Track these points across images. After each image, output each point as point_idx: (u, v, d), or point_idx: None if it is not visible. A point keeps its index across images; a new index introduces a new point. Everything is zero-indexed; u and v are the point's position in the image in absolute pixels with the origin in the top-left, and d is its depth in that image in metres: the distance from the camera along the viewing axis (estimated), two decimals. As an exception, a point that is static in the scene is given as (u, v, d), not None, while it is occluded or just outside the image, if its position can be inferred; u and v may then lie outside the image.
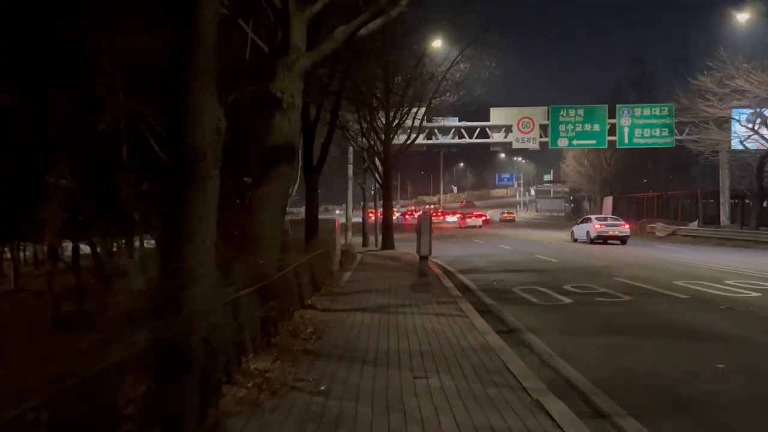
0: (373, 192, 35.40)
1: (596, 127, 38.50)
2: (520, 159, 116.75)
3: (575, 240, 34.60)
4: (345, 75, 16.27)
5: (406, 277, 16.71)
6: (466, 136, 39.12)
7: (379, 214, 34.68)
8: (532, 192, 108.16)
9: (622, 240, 31.94)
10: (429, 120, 38.03)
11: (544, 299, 13.37)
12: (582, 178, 61.31)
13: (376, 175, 30.05)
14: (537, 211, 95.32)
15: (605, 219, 35.21)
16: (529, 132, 38.62)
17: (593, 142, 38.98)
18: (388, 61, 26.66)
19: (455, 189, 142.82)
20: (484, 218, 70.99)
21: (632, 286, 15.21)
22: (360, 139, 30.81)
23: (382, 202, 30.42)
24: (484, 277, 18.01)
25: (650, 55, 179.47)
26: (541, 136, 38.95)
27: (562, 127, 38.62)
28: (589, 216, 37.87)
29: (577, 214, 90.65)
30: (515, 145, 38.77)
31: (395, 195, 71.99)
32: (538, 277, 17.82)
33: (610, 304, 12.62)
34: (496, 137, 39.23)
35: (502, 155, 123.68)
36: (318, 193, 17.72)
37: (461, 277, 18.25)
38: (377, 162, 30.66)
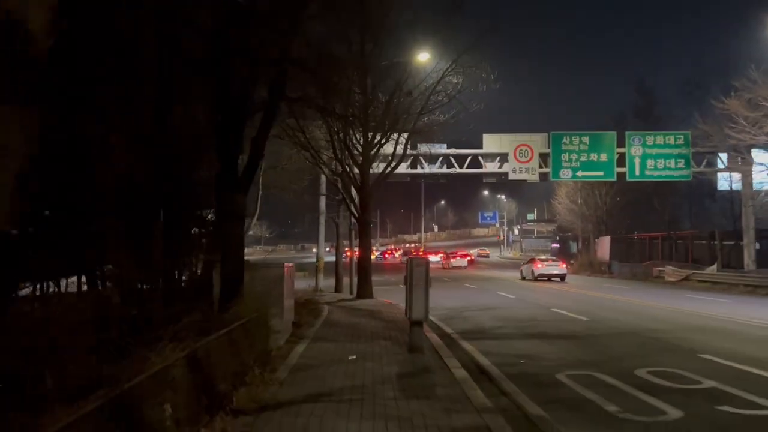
0: (350, 228, 29.68)
1: (603, 157, 33.40)
2: (502, 197, 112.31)
3: (523, 278, 39.29)
4: (293, 27, 10.52)
5: (389, 354, 10.91)
6: (455, 165, 33.77)
7: (356, 254, 28.98)
8: (516, 231, 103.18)
9: (561, 277, 37.20)
10: (414, 147, 32.68)
11: (624, 404, 7.73)
12: (574, 216, 56.16)
13: (352, 207, 24.37)
14: (522, 250, 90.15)
15: (546, 260, 41.48)
16: (527, 161, 33.39)
17: (600, 173, 33.83)
18: (365, 67, 21.30)
19: (436, 227, 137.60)
20: (469, 258, 65.52)
21: (745, 373, 9.60)
22: (333, 164, 25.25)
23: (359, 240, 24.69)
24: (499, 348, 12.39)
25: (656, 83, 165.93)
26: (540, 166, 33.73)
27: (564, 157, 33.45)
28: (533, 257, 45.09)
29: (563, 255, 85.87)
30: (512, 176, 33.46)
31: (374, 233, 66.14)
32: (579, 349, 12.20)
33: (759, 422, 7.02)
34: (490, 167, 33.91)
35: (486, 192, 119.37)
36: (244, 222, 11.92)
37: (467, 346, 12.60)
38: (353, 192, 25.06)
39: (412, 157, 33.45)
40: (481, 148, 33.90)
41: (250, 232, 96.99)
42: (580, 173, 33.79)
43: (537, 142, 33.79)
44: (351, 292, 27.27)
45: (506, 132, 34.37)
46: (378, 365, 9.66)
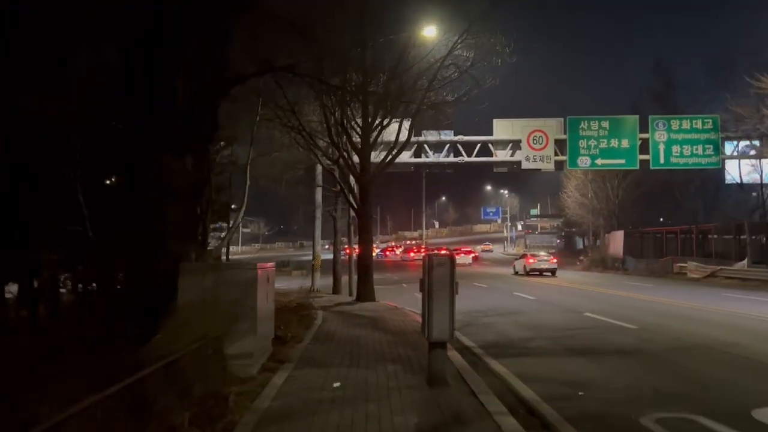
0: (349, 223, 26.74)
1: (625, 143, 30.44)
2: (505, 192, 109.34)
3: (516, 273, 39.93)
4: None
5: (401, 387, 7.91)
6: (463, 153, 30.78)
7: (355, 251, 26.04)
8: (519, 227, 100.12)
9: (552, 272, 37.90)
10: (418, 133, 29.71)
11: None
12: (585, 210, 53.14)
13: (351, 198, 21.37)
14: (526, 247, 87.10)
15: (538, 255, 41.11)
16: (542, 148, 30.40)
17: (621, 161, 30.84)
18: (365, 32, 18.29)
19: (437, 224, 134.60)
20: (473, 255, 62.56)
21: None
22: (330, 151, 22.29)
23: (358, 236, 21.68)
24: (540, 369, 9.55)
25: (675, 66, 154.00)
26: (556, 154, 30.75)
27: (582, 143, 30.48)
28: (525, 253, 44.84)
29: (569, 251, 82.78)
30: (525, 165, 30.48)
31: (374, 230, 63.17)
32: (647, 371, 9.30)
33: None
34: (501, 155, 30.93)
35: (488, 187, 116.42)
36: (194, 204, 9.03)
37: (499, 368, 9.70)
38: (352, 181, 22.09)
39: (416, 145, 30.52)
40: (491, 134, 30.91)
41: (247, 230, 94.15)
42: (599, 161, 30.82)
43: (552, 127, 30.81)
44: (350, 293, 24.36)
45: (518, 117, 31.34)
46: (386, 410, 6.65)
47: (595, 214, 52.60)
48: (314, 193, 29.31)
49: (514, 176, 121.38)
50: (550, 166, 30.94)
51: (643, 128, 30.62)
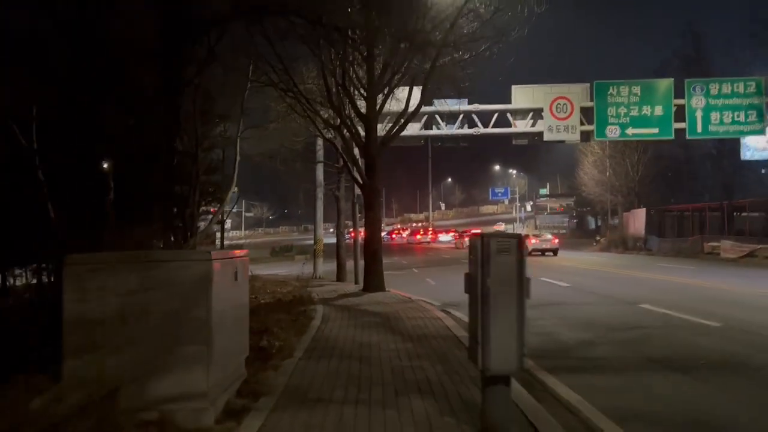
0: (353, 202, 23.64)
1: (658, 111, 27.25)
2: (513, 172, 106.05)
3: None
4: None
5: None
6: (479, 124, 27.62)
7: (360, 234, 23.09)
8: (528, 208, 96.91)
9: (554, 252, 38.66)
10: (429, 101, 26.63)
11: None
12: (602, 188, 49.96)
13: (355, 172, 18.34)
14: (537, 228, 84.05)
15: (539, 236, 42.54)
16: (566, 117, 27.25)
17: (654, 130, 27.61)
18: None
19: (443, 206, 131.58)
20: (483, 237, 59.36)
21: None
22: (331, 116, 19.21)
23: (363, 216, 18.59)
24: (626, 395, 6.84)
25: (707, 30, 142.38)
26: (582, 123, 27.57)
27: (611, 111, 27.32)
28: (527, 234, 47.24)
29: (582, 231, 79.67)
30: (548, 136, 27.34)
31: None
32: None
33: None
34: (521, 125, 27.77)
35: (497, 167, 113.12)
36: None
37: (568, 395, 6.87)
38: (356, 153, 19.04)
39: (426, 116, 27.39)
40: (509, 103, 27.75)
41: (250, 214, 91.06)
42: (630, 131, 27.63)
43: (577, 94, 27.63)
44: (356, 281, 21.41)
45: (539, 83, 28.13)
46: None
47: (614, 192, 49.44)
48: (314, 171, 26.32)
49: (523, 155, 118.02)
50: (575, 137, 27.78)
51: (678, 94, 27.41)
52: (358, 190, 21.39)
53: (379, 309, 13.35)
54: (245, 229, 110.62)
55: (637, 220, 46.35)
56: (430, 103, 27.28)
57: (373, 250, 17.17)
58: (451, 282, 22.65)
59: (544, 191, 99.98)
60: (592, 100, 27.52)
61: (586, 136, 28.20)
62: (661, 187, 52.38)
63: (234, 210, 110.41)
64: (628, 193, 48.88)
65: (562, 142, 29.12)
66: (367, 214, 17.66)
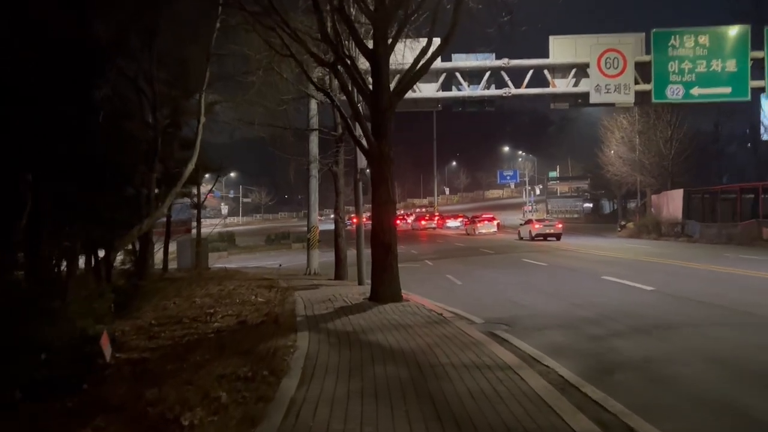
0: (355, 179, 18.14)
1: (731, 66, 21.85)
2: (521, 153, 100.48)
3: (521, 238, 39.71)
4: None
5: None
6: (509, 83, 22.22)
7: (365, 220, 17.80)
8: (537, 191, 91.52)
9: (557, 237, 37.72)
10: (445, 55, 21.34)
11: None
12: (631, 167, 44.48)
13: (359, 134, 12.97)
14: (548, 212, 78.79)
15: (543, 220, 42.35)
16: (617, 74, 21.83)
17: (726, 90, 22.14)
18: None
19: (447, 191, 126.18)
20: (498, 222, 54.16)
21: None
22: (326, 53, 13.86)
23: (371, 194, 13.08)
24: None
25: None
26: (636, 82, 22.17)
27: (673, 66, 21.95)
28: (531, 219, 45.17)
29: (597, 215, 74.35)
30: (595, 98, 21.93)
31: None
32: None
33: None
34: (561, 85, 22.34)
35: (505, 149, 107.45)
36: None
37: None
38: (360, 107, 13.62)
39: (444, 75, 21.97)
40: (546, 57, 22.31)
41: (248, 199, 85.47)
42: (696, 91, 22.19)
43: (631, 46, 22.20)
44: (360, 281, 16.20)
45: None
46: None
47: (643, 172, 44.01)
48: (307, 142, 20.99)
49: (531, 136, 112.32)
50: (628, 99, 22.31)
51: (756, 45, 21.98)
52: (362, 162, 16.11)
53: (400, 342, 8.04)
54: (243, 215, 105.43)
55: (673, 203, 40.94)
56: (449, 58, 21.91)
57: (384, 242, 11.84)
58: (479, 280, 17.36)
59: (554, 174, 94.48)
60: (649, 53, 22.10)
61: (642, 98, 22.76)
62: (693, 166, 46.99)
63: (231, 195, 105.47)
64: (660, 173, 43.43)
65: (612, 105, 23.71)
66: (375, 193, 12.32)
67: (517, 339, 8.73)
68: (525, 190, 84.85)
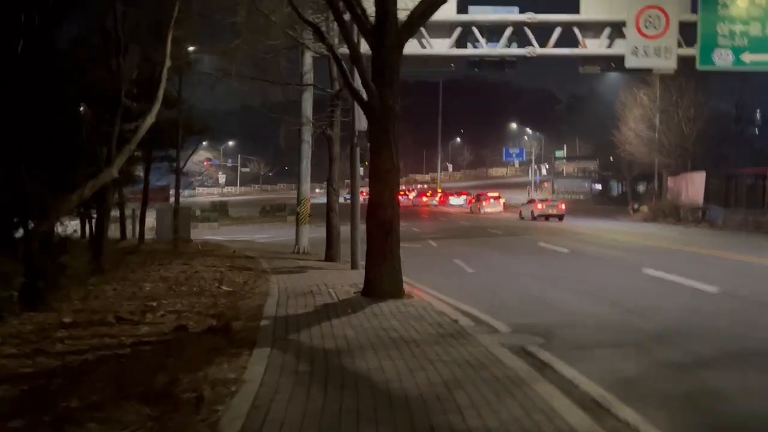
0: (352, 144, 15.16)
1: (790, 28, 18.86)
2: (528, 131, 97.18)
3: (522, 218, 38.77)
4: None
5: None
6: (534, 42, 19.24)
7: (363, 194, 15.05)
8: (544, 171, 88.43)
9: (560, 218, 37.30)
10: (461, 6, 18.47)
11: None
12: (649, 146, 41.51)
13: (357, 83, 10.12)
14: (554, 192, 75.88)
15: (545, 200, 41.51)
16: (658, 35, 18.85)
17: (783, 57, 19.24)
18: None
19: (450, 167, 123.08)
20: (504, 202, 51.39)
21: None
22: None
23: (369, 160, 10.24)
24: None
25: None
26: (680, 46, 19.21)
27: (722, 28, 18.95)
28: (533, 199, 43.94)
29: (606, 197, 71.40)
30: (631, 62, 18.97)
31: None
32: None
33: None
34: (593, 45, 19.36)
35: (513, 125, 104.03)
36: None
37: None
38: (357, 46, 10.70)
39: (458, 29, 19.01)
40: (576, 12, 19.31)
41: (246, 169, 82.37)
42: (747, 57, 19.20)
43: (675, 3, 19.19)
44: (353, 264, 13.50)
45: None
46: None
47: (663, 152, 41.08)
48: (300, 101, 18.15)
49: (538, 114, 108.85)
50: (669, 64, 19.33)
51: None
52: (361, 124, 13.32)
53: (403, 375, 5.23)
54: (240, 185, 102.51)
55: (693, 186, 38.15)
56: (465, 10, 18.94)
57: (384, 221, 9.05)
58: (493, 267, 14.64)
59: (560, 153, 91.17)
60: (695, 11, 19.12)
61: (685, 64, 19.78)
62: (713, 148, 44.14)
63: (229, 164, 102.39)
64: (680, 154, 40.52)
65: (650, 70, 20.74)
66: (374, 159, 9.49)
67: (564, 365, 6.05)
68: (531, 168, 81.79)
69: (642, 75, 34.27)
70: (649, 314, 8.62)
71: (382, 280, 8.94)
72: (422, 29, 18.30)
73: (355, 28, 10.53)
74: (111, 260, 17.35)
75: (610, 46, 19.30)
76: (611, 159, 60.44)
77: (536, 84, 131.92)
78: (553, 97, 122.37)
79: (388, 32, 9.12)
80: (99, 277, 11.50)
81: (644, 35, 18.81)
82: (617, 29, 19.17)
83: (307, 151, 18.53)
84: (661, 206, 39.42)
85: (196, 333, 6.51)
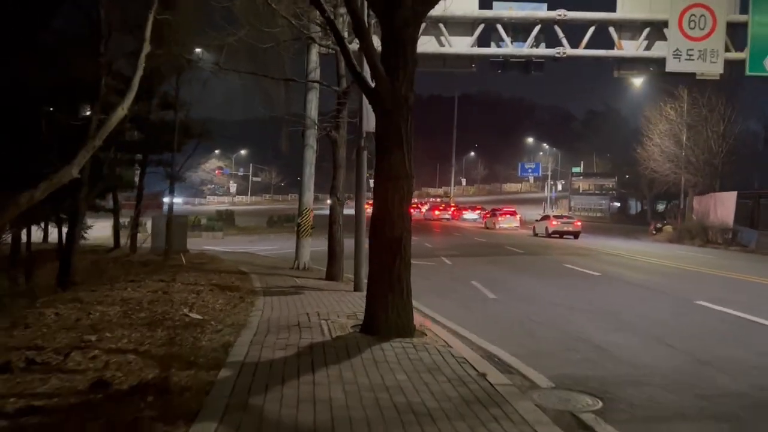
0: (359, 148, 13.16)
1: None
2: (545, 145, 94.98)
3: (536, 234, 37.57)
4: None
5: None
6: (564, 42, 17.33)
7: (368, 206, 13.04)
8: (559, 187, 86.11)
9: (575, 235, 36.02)
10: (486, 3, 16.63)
11: None
12: (675, 163, 39.28)
13: (363, 59, 8.20)
14: (570, 209, 73.56)
15: (561, 217, 40.17)
16: (703, 37, 16.89)
17: (844, 63, 17.17)
18: None
19: (464, 181, 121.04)
20: (519, 217, 49.24)
21: None
22: None
23: (375, 163, 8.29)
24: None
25: None
26: (727, 49, 17.22)
27: (776, 30, 16.93)
28: (548, 215, 41.45)
29: (624, 216, 68.95)
30: (673, 66, 17.02)
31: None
32: None
33: None
34: (630, 47, 17.42)
35: (529, 140, 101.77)
36: None
37: None
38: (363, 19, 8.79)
39: (481, 26, 17.13)
40: (612, 10, 17.37)
41: (258, 179, 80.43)
42: (803, 63, 17.18)
43: (723, 1, 17.21)
44: (357, 286, 11.57)
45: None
46: None
47: (690, 170, 38.85)
48: (304, 102, 16.30)
49: (553, 129, 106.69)
50: (715, 68, 17.32)
51: None
52: (369, 125, 11.52)
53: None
54: (251, 194, 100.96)
55: (722, 207, 35.84)
56: (489, 5, 17.06)
57: (392, 239, 7.07)
58: (520, 293, 12.58)
59: (577, 170, 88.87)
60: (745, 12, 17.13)
61: (734, 68, 17.76)
62: (743, 167, 41.87)
63: (241, 173, 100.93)
64: (709, 172, 38.27)
65: (693, 75, 18.71)
66: (381, 160, 7.53)
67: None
68: (547, 184, 79.58)
69: (677, 83, 32.31)
70: (730, 367, 6.60)
71: (387, 315, 6.96)
72: (441, 25, 16.46)
73: None
74: (89, 272, 15.60)
75: (648, 47, 17.33)
76: (627, 176, 58.23)
77: (551, 100, 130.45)
78: (567, 114, 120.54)
79: (404, 4, 7.21)
80: (57, 295, 9.66)
81: (688, 36, 16.84)
82: (657, 29, 17.21)
83: (311, 156, 16.67)
84: (687, 227, 37.15)
85: (120, 391, 4.58)
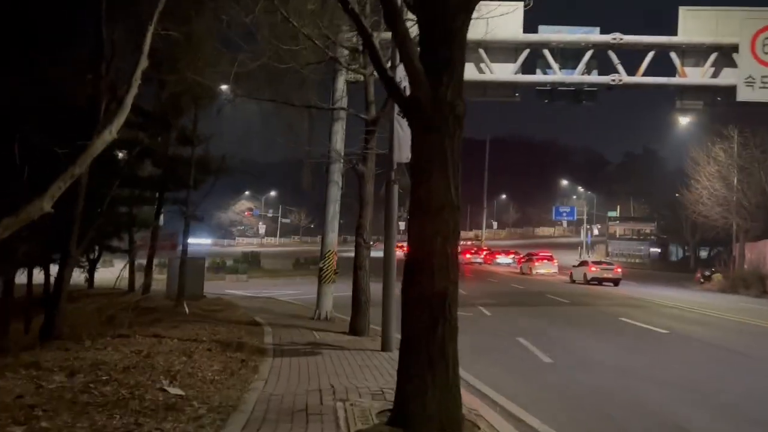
0: (389, 181, 11.25)
1: None
2: (580, 189, 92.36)
3: (573, 281, 35.55)
4: None
5: None
6: (620, 69, 15.49)
7: (402, 249, 11.15)
8: (596, 231, 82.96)
9: (615, 282, 33.69)
10: (529, 25, 14.99)
11: None
12: (725, 208, 36.68)
13: (395, 70, 6.39)
14: (608, 255, 70.44)
15: (600, 263, 37.05)
16: (780, 62, 14.88)
17: None
18: None
19: (495, 224, 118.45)
20: (556, 262, 46.71)
21: None
22: None
23: (411, 191, 6.41)
24: None
25: None
26: (807, 76, 15.16)
27: None
28: (586, 260, 39.41)
29: (666, 263, 65.57)
30: (744, 94, 14.96)
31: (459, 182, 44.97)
32: None
33: None
34: (694, 74, 15.47)
35: (563, 183, 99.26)
36: None
37: None
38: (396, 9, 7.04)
39: (526, 51, 15.40)
40: (674, 34, 15.50)
41: (287, 220, 79.65)
42: None
43: (801, 22, 15.22)
44: (386, 345, 9.60)
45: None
46: None
47: (741, 214, 36.21)
48: (330, 131, 14.66)
49: (588, 174, 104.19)
50: (794, 98, 15.30)
51: None
52: (400, 155, 9.80)
53: None
54: (280, 236, 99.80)
55: (778, 254, 33.13)
56: (534, 29, 15.36)
57: (431, 293, 5.16)
58: (579, 356, 10.42)
59: (613, 213, 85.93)
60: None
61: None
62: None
63: (270, 214, 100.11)
64: (763, 217, 35.60)
65: (766, 105, 16.57)
66: (419, 187, 5.67)
67: None
68: (583, 228, 76.61)
69: (728, 121, 30.12)
70: None
71: (425, 400, 4.97)
72: (481, 50, 14.76)
73: None
74: (87, 319, 13.94)
75: (716, 75, 15.37)
76: (665, 221, 55.32)
77: (584, 142, 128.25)
78: (601, 158, 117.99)
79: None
80: (13, 358, 7.92)
81: (762, 62, 14.84)
82: (725, 55, 15.27)
83: (335, 193, 14.96)
84: (742, 275, 34.32)
85: None
